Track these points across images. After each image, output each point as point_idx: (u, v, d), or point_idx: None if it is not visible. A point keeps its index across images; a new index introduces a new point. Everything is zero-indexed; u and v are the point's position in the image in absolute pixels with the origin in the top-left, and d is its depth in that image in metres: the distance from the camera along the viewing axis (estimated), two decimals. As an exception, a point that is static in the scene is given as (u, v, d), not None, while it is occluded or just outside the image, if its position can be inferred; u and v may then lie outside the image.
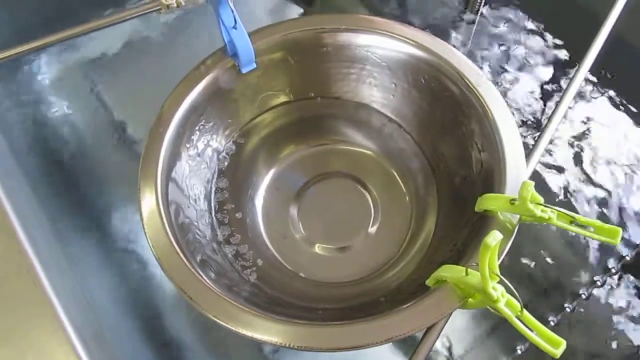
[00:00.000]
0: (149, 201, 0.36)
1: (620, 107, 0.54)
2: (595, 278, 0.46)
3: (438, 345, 0.43)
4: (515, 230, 0.35)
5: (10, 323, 0.33)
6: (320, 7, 0.62)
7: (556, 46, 0.57)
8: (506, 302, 0.30)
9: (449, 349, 0.43)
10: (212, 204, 0.43)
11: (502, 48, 0.57)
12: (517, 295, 0.30)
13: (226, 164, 0.45)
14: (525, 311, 0.30)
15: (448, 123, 0.43)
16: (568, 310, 0.45)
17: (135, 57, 0.58)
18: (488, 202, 0.36)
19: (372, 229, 0.45)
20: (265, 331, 0.32)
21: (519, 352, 0.43)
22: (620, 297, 0.45)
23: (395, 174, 0.47)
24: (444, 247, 0.40)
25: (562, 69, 0.56)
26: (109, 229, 0.48)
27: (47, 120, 0.55)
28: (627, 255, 0.47)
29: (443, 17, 0.59)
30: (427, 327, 0.33)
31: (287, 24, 0.44)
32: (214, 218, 0.43)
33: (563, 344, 0.29)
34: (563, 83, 0.55)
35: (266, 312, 0.33)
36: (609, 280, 0.46)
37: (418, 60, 0.43)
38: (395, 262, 0.43)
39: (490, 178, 0.38)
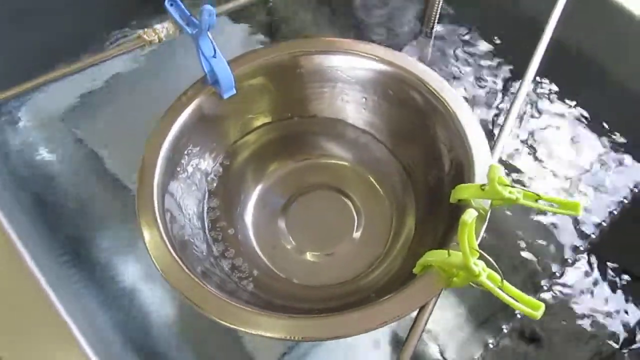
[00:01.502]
0: (148, 220, 0.39)
1: (565, 105, 0.59)
2: (566, 256, 0.49)
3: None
4: (488, 215, 0.38)
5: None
6: (281, 35, 0.66)
7: (502, 57, 0.62)
8: (487, 276, 0.33)
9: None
10: (205, 223, 0.45)
11: (453, 61, 0.62)
12: (497, 268, 0.33)
13: (215, 185, 0.47)
14: (505, 282, 0.33)
15: (417, 128, 0.47)
16: (545, 288, 0.48)
17: (113, 94, 0.61)
18: (461, 192, 0.39)
19: (356, 234, 0.48)
20: (269, 328, 0.34)
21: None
22: (587, 275, 0.50)
23: (373, 180, 0.50)
24: (425, 242, 0.44)
25: (510, 79, 0.61)
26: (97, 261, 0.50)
27: (33, 166, 0.57)
28: (593, 233, 0.51)
29: (402, 35, 0.63)
30: (419, 308, 0.35)
31: (262, 51, 0.48)
32: (208, 235, 0.45)
33: (542, 306, 0.32)
34: (513, 89, 0.60)
35: (267, 311, 0.36)
36: (578, 258, 0.50)
37: (384, 74, 0.47)
38: (382, 260, 0.46)
39: (461, 173, 0.42)
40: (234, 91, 0.46)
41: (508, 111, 0.46)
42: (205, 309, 0.35)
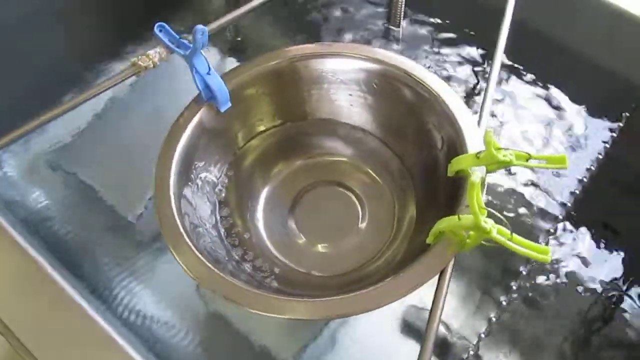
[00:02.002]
0: (175, 238, 0.40)
1: (531, 85, 0.63)
2: (547, 227, 0.54)
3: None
4: (486, 182, 0.41)
5: None
6: (251, 52, 0.70)
7: (471, 44, 0.66)
8: (497, 231, 0.37)
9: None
10: (221, 231, 0.48)
11: (425, 55, 0.66)
12: (506, 222, 0.37)
13: (223, 195, 0.50)
14: (514, 234, 0.36)
15: (405, 116, 0.50)
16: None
17: (99, 129, 0.62)
18: (458, 163, 0.43)
19: (362, 224, 0.51)
20: (309, 311, 0.37)
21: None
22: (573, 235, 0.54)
23: (371, 171, 0.53)
24: (429, 219, 0.47)
25: (481, 63, 0.65)
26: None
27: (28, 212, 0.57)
28: (569, 202, 0.55)
29: (370, 32, 0.68)
30: (439, 273, 0.38)
31: (250, 64, 0.50)
32: (226, 242, 0.47)
33: (549, 250, 0.36)
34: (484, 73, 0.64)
35: (302, 298, 0.38)
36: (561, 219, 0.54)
37: (366, 70, 0.50)
38: (390, 243, 0.49)
39: (453, 149, 0.45)
40: (230, 104, 0.49)
41: (485, 90, 0.50)
42: (252, 306, 0.37)
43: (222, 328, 0.50)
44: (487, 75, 0.52)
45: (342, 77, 0.51)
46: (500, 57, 0.52)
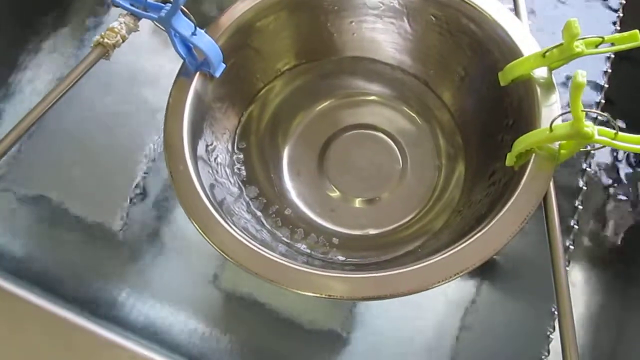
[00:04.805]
0: (222, 240, 0.33)
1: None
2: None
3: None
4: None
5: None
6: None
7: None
8: (599, 132, 0.32)
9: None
10: (258, 214, 0.41)
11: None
12: (611, 119, 0.32)
13: (244, 173, 0.42)
14: (619, 132, 0.32)
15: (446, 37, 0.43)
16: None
17: (41, 133, 0.52)
18: (515, 69, 0.37)
19: (404, 171, 0.45)
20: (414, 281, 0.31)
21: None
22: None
23: (408, 111, 0.47)
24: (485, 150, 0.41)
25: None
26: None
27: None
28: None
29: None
30: (542, 198, 0.33)
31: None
32: (266, 225, 0.40)
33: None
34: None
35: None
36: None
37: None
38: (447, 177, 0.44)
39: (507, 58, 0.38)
40: (224, 65, 0.41)
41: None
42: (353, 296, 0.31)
43: (257, 313, 0.45)
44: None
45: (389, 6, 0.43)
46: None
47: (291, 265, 0.32)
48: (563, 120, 0.33)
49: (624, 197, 0.49)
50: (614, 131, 0.32)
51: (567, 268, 0.34)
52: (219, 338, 0.44)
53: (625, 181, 0.50)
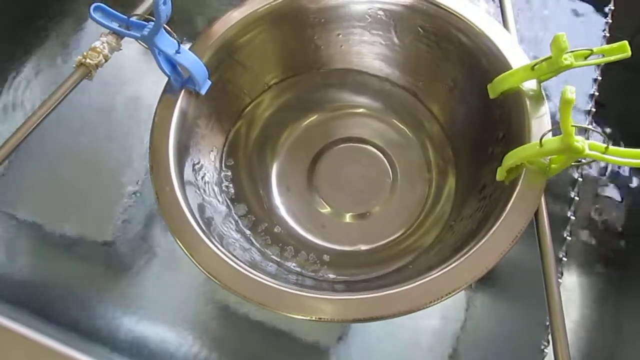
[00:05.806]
0: (209, 261, 0.32)
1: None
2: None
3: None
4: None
5: None
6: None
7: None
8: (589, 147, 0.32)
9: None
10: (247, 234, 0.40)
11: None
12: (603, 134, 0.32)
13: (232, 191, 0.42)
14: (610, 146, 0.31)
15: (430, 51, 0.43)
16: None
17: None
18: (504, 81, 0.37)
19: (394, 180, 0.44)
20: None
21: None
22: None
23: (397, 123, 0.46)
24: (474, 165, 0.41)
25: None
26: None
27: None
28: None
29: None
30: (533, 214, 0.33)
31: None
32: (255, 243, 0.40)
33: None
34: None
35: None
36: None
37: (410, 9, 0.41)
38: (436, 194, 0.43)
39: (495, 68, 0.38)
40: (210, 82, 0.40)
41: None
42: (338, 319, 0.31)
43: (257, 332, 0.44)
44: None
45: (376, 18, 0.42)
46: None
47: (280, 288, 0.31)
48: (553, 134, 0.33)
49: (616, 202, 0.49)
50: (605, 145, 0.31)
51: (560, 280, 0.34)
52: (211, 348, 0.44)
53: (618, 188, 0.50)
